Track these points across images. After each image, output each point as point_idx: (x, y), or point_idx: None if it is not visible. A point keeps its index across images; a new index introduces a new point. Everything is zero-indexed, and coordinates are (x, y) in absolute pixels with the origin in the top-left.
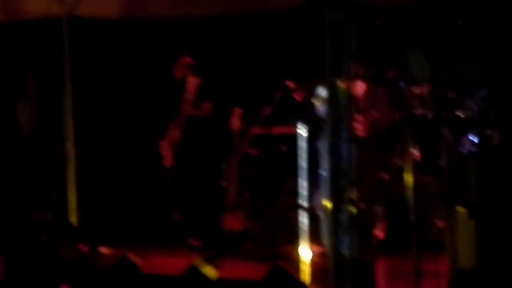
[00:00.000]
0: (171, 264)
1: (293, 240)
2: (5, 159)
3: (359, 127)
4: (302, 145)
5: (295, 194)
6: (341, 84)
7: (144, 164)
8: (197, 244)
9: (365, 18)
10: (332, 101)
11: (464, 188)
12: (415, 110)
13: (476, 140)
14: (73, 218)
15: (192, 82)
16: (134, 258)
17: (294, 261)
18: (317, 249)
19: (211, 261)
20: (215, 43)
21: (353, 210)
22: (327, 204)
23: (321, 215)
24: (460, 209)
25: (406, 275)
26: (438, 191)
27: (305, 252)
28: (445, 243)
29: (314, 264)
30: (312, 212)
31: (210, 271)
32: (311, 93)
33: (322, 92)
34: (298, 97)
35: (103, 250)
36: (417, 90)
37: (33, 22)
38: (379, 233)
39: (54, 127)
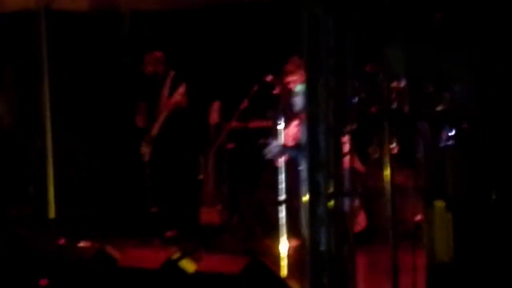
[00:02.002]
0: (148, 257)
1: (271, 233)
2: None
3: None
4: (280, 138)
5: (272, 187)
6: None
7: (122, 157)
8: (172, 235)
9: (343, 12)
10: (310, 95)
11: (441, 181)
12: (392, 104)
13: (453, 133)
14: (52, 212)
15: (167, 75)
16: (112, 251)
17: (272, 254)
18: (295, 242)
19: (188, 254)
20: (192, 36)
21: (331, 203)
22: (305, 197)
23: (299, 208)
24: (438, 203)
25: (383, 269)
26: (415, 184)
27: (283, 245)
28: (422, 236)
29: (291, 257)
30: (289, 206)
31: (187, 264)
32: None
33: (300, 85)
34: (276, 90)
35: (81, 243)
36: (394, 84)
37: (10, 15)
38: (356, 226)
39: (32, 120)
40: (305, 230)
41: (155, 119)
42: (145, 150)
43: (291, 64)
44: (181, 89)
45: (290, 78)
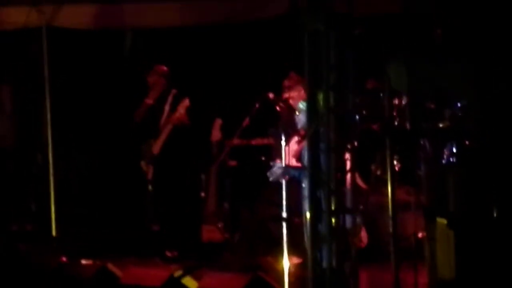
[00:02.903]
0: (150, 275)
1: (273, 250)
2: None
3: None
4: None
5: (274, 204)
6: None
7: (124, 175)
8: (171, 255)
9: (344, 28)
10: (311, 111)
11: (443, 198)
12: (394, 121)
13: (454, 150)
14: (54, 229)
15: (170, 92)
16: (113, 269)
17: (274, 271)
18: (297, 259)
19: (190, 272)
20: (194, 53)
21: (333, 220)
22: (307, 214)
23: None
24: (439, 220)
25: (385, 286)
26: (417, 201)
27: (285, 262)
28: (424, 253)
29: (293, 274)
30: (291, 223)
31: (190, 282)
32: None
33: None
34: (277, 108)
35: (83, 261)
36: (395, 101)
37: (12, 33)
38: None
39: (33, 137)
40: (307, 247)
41: (157, 137)
42: (147, 167)
43: (290, 80)
44: (185, 103)
45: (289, 94)
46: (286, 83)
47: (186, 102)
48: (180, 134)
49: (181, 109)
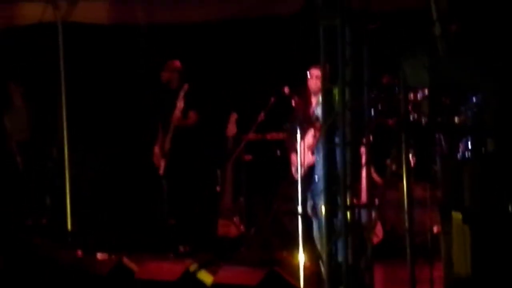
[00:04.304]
0: (166, 269)
1: (288, 245)
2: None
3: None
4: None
5: (289, 199)
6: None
7: (140, 169)
8: (185, 250)
9: (360, 24)
10: (327, 106)
11: (459, 193)
12: (409, 115)
13: (470, 145)
14: (69, 223)
15: (182, 88)
16: (129, 263)
17: (289, 266)
18: (312, 254)
19: (206, 266)
20: (211, 48)
21: (348, 215)
22: (322, 209)
23: (316, 220)
24: (455, 215)
25: (401, 281)
26: (432, 196)
27: (300, 257)
28: (440, 249)
29: (308, 269)
30: (307, 217)
31: (205, 276)
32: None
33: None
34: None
35: (99, 255)
36: (411, 95)
37: (28, 28)
38: (374, 238)
39: (49, 131)
40: (322, 242)
41: (167, 132)
42: (160, 163)
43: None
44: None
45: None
46: (316, 72)
47: (181, 104)
48: (195, 129)
49: (177, 111)
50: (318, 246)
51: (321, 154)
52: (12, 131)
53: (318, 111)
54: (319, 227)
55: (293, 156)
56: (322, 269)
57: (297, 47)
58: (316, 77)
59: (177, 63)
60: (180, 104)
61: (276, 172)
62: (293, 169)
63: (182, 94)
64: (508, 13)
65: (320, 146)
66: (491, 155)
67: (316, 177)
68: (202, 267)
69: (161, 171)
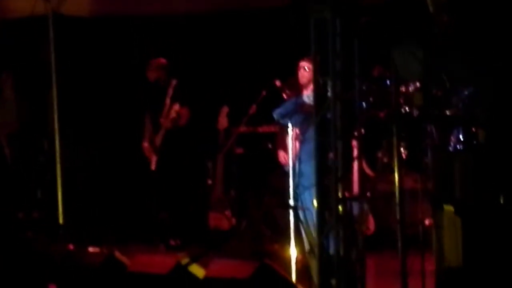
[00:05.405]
0: (158, 262)
1: (280, 237)
2: None
3: None
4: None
5: (280, 192)
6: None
7: (130, 162)
8: (175, 244)
9: (351, 16)
10: (318, 99)
11: (450, 185)
12: (400, 108)
13: (461, 137)
14: (60, 217)
15: (170, 84)
16: (121, 256)
17: (281, 258)
18: (303, 246)
19: (197, 259)
20: (200, 41)
21: (340, 208)
22: (314, 202)
23: (307, 212)
24: (446, 207)
25: (392, 273)
26: (424, 188)
27: (292, 249)
28: (431, 241)
29: (300, 261)
30: (298, 210)
31: (196, 269)
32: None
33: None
34: (284, 95)
35: (90, 248)
36: (402, 88)
37: (18, 21)
38: (365, 230)
39: (40, 124)
40: (313, 234)
41: (159, 129)
42: (151, 157)
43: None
44: (185, 112)
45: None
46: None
47: (176, 106)
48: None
49: (173, 113)
50: (305, 238)
51: (306, 146)
52: (1, 122)
53: (305, 98)
54: (306, 219)
55: (280, 153)
56: (310, 261)
57: (288, 39)
58: (304, 68)
59: (162, 60)
60: (175, 105)
61: (267, 165)
62: (282, 161)
63: (170, 91)
64: (503, 7)
65: (307, 138)
66: (483, 147)
67: (298, 168)
68: (194, 260)
69: (153, 166)
